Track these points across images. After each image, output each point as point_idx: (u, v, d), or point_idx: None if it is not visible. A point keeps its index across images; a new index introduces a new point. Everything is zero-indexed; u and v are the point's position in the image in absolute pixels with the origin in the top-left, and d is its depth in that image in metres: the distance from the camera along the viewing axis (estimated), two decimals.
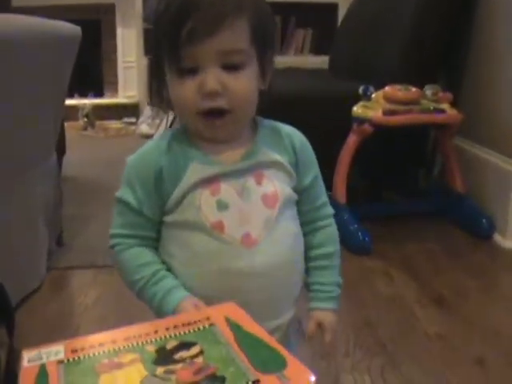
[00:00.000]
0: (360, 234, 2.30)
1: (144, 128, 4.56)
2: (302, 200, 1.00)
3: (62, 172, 2.84)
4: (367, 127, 2.30)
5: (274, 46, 0.96)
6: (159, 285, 0.93)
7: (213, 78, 0.87)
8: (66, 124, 3.38)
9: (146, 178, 0.94)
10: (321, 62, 4.05)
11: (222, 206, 0.91)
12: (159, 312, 0.93)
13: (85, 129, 4.76)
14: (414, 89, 2.37)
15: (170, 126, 4.30)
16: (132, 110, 5.08)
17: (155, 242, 0.98)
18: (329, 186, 2.44)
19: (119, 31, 5.24)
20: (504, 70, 2.52)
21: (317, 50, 4.98)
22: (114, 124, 4.89)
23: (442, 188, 2.69)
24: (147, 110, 4.66)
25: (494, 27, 2.61)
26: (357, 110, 2.35)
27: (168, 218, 0.95)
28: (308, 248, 1.03)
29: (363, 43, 3.11)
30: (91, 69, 5.23)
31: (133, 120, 4.88)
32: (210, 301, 0.87)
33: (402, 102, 2.30)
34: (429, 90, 2.40)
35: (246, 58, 0.89)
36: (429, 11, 2.67)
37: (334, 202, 2.40)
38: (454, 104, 2.44)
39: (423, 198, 2.84)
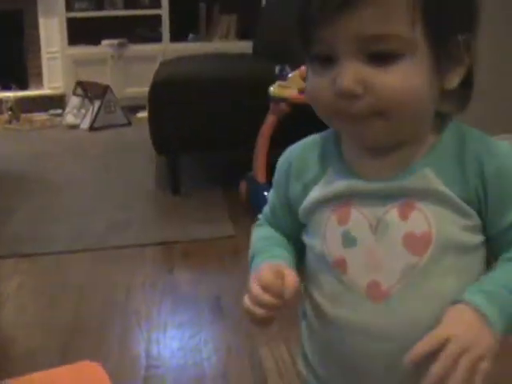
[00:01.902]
0: None
1: (70, 119, 4.48)
2: (496, 245, 0.72)
3: None
4: (284, 106, 2.33)
5: (465, 28, 0.69)
6: (261, 254, 0.81)
7: (350, 73, 0.64)
8: None
9: (280, 171, 0.80)
10: (246, 46, 4.07)
11: (348, 240, 0.71)
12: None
13: (9, 122, 4.64)
14: None
15: (96, 116, 4.25)
16: (58, 102, 4.99)
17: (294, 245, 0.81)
18: (250, 166, 2.48)
19: (42, 21, 5.12)
20: None
21: (242, 35, 5.00)
22: (40, 116, 4.78)
23: None
24: (73, 101, 4.58)
25: None
26: (273, 89, 2.38)
27: (304, 238, 0.78)
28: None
29: (284, 26, 3.13)
30: (14, 61, 5.11)
31: (59, 111, 4.79)
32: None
33: None
34: None
35: (405, 45, 0.64)
36: None
37: (254, 181, 2.50)
38: None
39: None
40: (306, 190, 0.76)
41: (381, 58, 0.64)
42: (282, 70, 2.41)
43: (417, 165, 0.70)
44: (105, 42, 4.93)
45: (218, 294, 1.91)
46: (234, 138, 2.69)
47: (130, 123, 4.35)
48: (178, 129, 2.68)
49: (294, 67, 2.42)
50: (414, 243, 0.69)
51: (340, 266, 0.71)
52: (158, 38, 4.98)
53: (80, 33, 4.89)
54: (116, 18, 5.02)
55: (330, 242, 0.72)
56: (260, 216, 0.88)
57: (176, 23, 4.94)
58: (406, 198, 0.69)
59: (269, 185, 2.54)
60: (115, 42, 4.91)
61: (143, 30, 5.06)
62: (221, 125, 2.65)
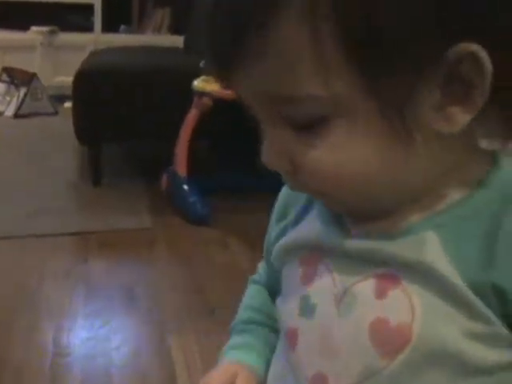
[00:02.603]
0: (199, 205, 2.35)
1: None
2: None
3: None
4: (207, 100, 2.35)
5: (458, 35, 0.43)
6: (236, 336, 0.70)
7: (272, 145, 0.48)
8: None
9: (275, 207, 0.65)
10: (178, 41, 4.06)
11: (305, 307, 0.53)
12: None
13: None
14: None
15: (22, 103, 4.16)
16: None
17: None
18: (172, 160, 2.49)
19: None
20: None
21: (175, 29, 4.98)
22: None
23: None
24: None
25: None
26: (197, 84, 2.39)
27: None
28: None
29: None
30: None
31: None
32: None
33: None
34: None
35: (326, 106, 0.44)
36: None
37: (175, 174, 2.51)
38: None
39: (269, 173, 2.92)
40: (284, 233, 0.59)
41: (306, 126, 0.45)
42: (206, 65, 2.43)
43: (417, 225, 0.48)
44: (34, 29, 4.83)
45: (131, 285, 1.91)
46: (157, 130, 2.69)
47: (56, 112, 4.27)
48: (101, 119, 2.67)
49: None
50: (385, 337, 0.47)
51: (291, 339, 0.54)
52: (89, 28, 4.91)
53: (8, 17, 4.77)
54: (47, 4, 4.92)
55: (288, 304, 0.56)
56: (259, 265, 0.73)
57: (108, 13, 4.88)
58: (390, 267, 0.48)
59: (189, 178, 2.58)
60: (45, 29, 4.81)
61: (75, 19, 4.98)
62: (144, 117, 2.65)
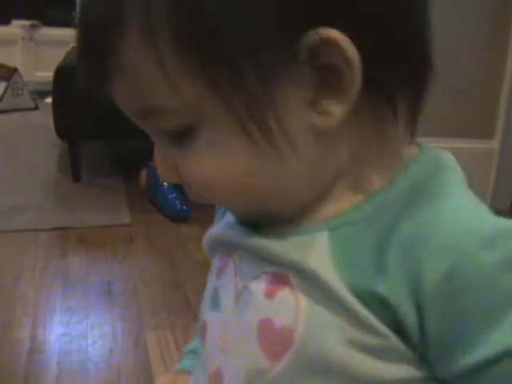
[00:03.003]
0: (178, 202, 2.36)
1: None
2: None
3: None
4: None
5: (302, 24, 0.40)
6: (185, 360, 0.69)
7: (159, 157, 0.49)
8: None
9: None
10: None
11: (214, 300, 0.53)
12: None
13: None
14: None
15: (2, 98, 4.13)
16: None
17: None
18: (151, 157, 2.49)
19: None
20: None
21: None
22: None
23: None
24: None
25: None
26: None
27: None
28: None
29: None
30: None
31: None
32: None
33: None
34: None
35: (177, 114, 0.43)
36: None
37: (154, 171, 2.51)
38: None
39: None
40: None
41: (177, 137, 0.45)
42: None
43: (312, 226, 0.46)
44: (16, 23, 4.80)
45: (109, 281, 1.91)
46: (138, 127, 2.68)
47: (37, 107, 4.26)
48: (81, 115, 2.66)
49: None
50: (270, 339, 0.46)
51: (202, 332, 0.54)
52: (71, 23, 4.88)
53: None
54: None
55: (205, 297, 0.56)
56: None
57: None
58: (282, 267, 0.46)
59: None
60: (27, 23, 4.79)
61: (57, 13, 4.96)
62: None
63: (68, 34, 4.76)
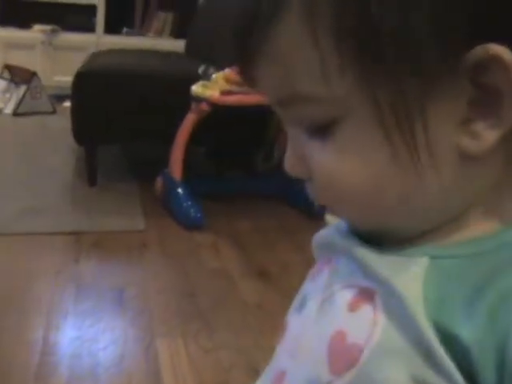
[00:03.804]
0: (192, 210, 2.36)
1: None
2: None
3: None
4: (205, 106, 2.36)
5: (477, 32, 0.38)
6: None
7: (290, 150, 0.47)
8: None
9: None
10: (179, 45, 4.08)
11: (302, 303, 0.51)
12: None
13: None
14: None
15: (21, 102, 4.17)
16: None
17: None
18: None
19: None
20: None
21: (177, 33, 5.00)
22: None
23: (281, 170, 2.79)
24: None
25: None
26: (196, 89, 2.40)
27: None
28: None
29: (216, 29, 3.17)
30: None
31: None
32: None
33: (238, 84, 2.38)
34: None
35: (329, 106, 0.41)
36: None
37: (170, 178, 2.52)
38: None
39: (263, 179, 2.94)
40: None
41: (316, 130, 0.43)
42: (205, 70, 2.44)
43: (417, 248, 0.44)
44: (37, 27, 4.85)
45: (122, 286, 1.92)
46: (154, 133, 2.70)
47: (55, 111, 4.29)
48: (99, 120, 2.68)
49: (219, 68, 2.46)
50: (339, 352, 0.44)
51: (283, 331, 0.52)
52: (91, 29, 4.93)
53: (12, 15, 4.79)
54: (50, 3, 4.94)
55: (296, 297, 0.53)
56: None
57: (111, 15, 4.91)
58: (372, 282, 0.44)
59: (183, 182, 2.60)
60: (48, 27, 4.83)
61: (77, 19, 5.00)
62: (142, 120, 2.66)
63: (87, 40, 4.81)
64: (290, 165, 0.47)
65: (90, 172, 2.75)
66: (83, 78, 2.67)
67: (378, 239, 0.46)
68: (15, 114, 4.15)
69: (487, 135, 0.39)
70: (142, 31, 5.13)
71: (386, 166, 0.41)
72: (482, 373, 0.37)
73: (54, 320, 1.72)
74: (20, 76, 4.32)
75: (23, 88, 4.22)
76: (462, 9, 0.37)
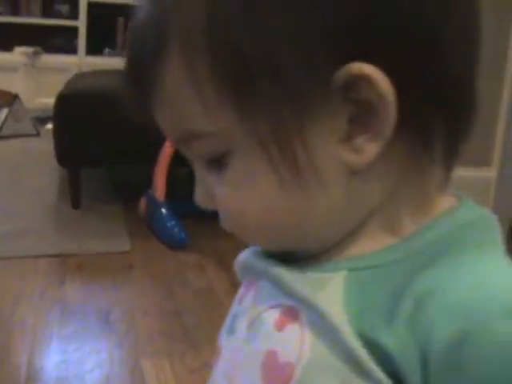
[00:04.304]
0: (176, 229, 2.37)
1: None
2: None
3: None
4: None
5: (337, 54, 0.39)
6: None
7: (198, 183, 0.48)
8: None
9: None
10: None
11: (232, 326, 0.51)
12: None
13: None
14: None
15: (3, 124, 4.16)
16: None
17: None
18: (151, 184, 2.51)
19: None
20: None
21: None
22: None
23: None
24: None
25: None
26: None
27: None
28: None
29: None
30: None
31: None
32: None
33: None
34: None
35: (222, 142, 0.43)
36: None
37: (153, 199, 2.52)
38: None
39: None
40: None
41: (213, 163, 0.45)
42: None
43: (332, 264, 0.45)
44: (18, 50, 4.85)
45: (108, 308, 1.92)
46: (137, 155, 2.70)
47: (38, 134, 4.28)
48: (82, 142, 2.68)
49: None
50: (272, 373, 0.44)
51: (216, 356, 0.53)
52: (73, 50, 4.93)
53: None
54: (31, 25, 4.95)
55: (225, 321, 0.53)
56: None
57: (93, 36, 4.92)
58: (296, 301, 0.44)
59: (167, 202, 2.59)
60: (30, 50, 4.83)
61: (59, 41, 5.01)
62: (125, 141, 2.66)
63: (69, 61, 4.81)
64: (199, 198, 0.48)
65: (74, 194, 2.74)
66: (65, 100, 2.68)
67: (293, 257, 0.47)
68: None
69: (369, 148, 0.40)
70: (123, 51, 5.14)
71: (276, 194, 0.43)
72: (410, 375, 0.38)
73: (39, 343, 1.71)
74: (2, 99, 4.31)
75: (5, 111, 4.21)
76: (321, 33, 0.38)
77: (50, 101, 4.01)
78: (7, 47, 4.81)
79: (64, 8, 5.03)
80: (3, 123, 4.16)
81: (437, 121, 0.42)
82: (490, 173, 2.71)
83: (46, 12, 5.02)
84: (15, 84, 4.63)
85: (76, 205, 2.74)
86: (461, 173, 2.64)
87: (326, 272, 0.44)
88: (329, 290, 0.43)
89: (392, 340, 0.39)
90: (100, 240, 2.41)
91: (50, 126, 4.13)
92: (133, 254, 2.32)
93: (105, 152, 2.73)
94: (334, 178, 0.42)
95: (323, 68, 0.39)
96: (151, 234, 2.46)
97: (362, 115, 0.40)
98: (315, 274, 0.44)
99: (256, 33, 0.39)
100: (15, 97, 4.24)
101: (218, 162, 0.44)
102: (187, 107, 0.42)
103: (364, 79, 0.39)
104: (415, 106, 0.40)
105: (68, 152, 2.72)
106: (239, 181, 0.44)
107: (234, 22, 0.39)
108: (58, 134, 2.72)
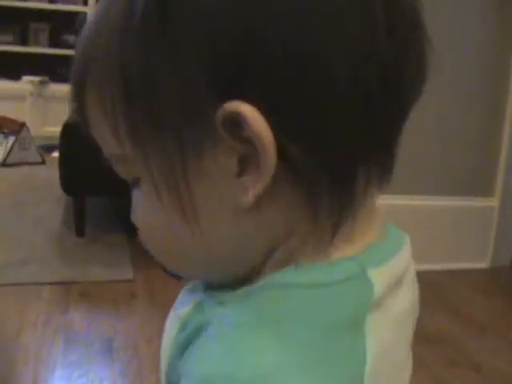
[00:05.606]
0: None
1: None
2: None
3: None
4: None
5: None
6: None
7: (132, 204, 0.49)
8: None
9: None
10: None
11: None
12: None
13: None
14: None
15: (10, 152, 4.20)
16: None
17: None
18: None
19: None
20: None
21: None
22: None
23: None
24: None
25: None
26: None
27: None
28: None
29: None
30: None
31: None
32: None
33: None
34: None
35: (126, 164, 0.45)
36: None
37: None
38: None
39: None
40: None
41: (133, 183, 0.46)
42: None
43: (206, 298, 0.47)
44: (26, 79, 4.91)
45: (111, 336, 1.92)
46: None
47: (44, 162, 4.32)
48: (87, 171, 2.70)
49: None
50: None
51: None
52: None
53: (1, 66, 4.86)
54: (39, 55, 5.02)
55: None
56: None
57: None
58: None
59: None
60: (36, 79, 4.90)
61: (66, 70, 5.04)
62: None
63: None
64: (131, 215, 0.49)
65: (78, 222, 2.76)
66: (70, 129, 2.70)
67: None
68: (4, 164, 4.17)
69: (253, 187, 0.39)
70: None
71: (167, 227, 0.44)
72: None
73: (42, 372, 1.72)
74: (9, 127, 4.36)
75: (12, 139, 4.25)
76: (204, 72, 0.38)
77: (56, 129, 4.06)
78: (15, 76, 4.88)
79: (71, 38, 5.10)
80: (9, 151, 4.20)
81: (320, 166, 0.40)
82: (493, 203, 2.72)
83: (54, 42, 5.10)
84: (22, 112, 4.69)
85: (80, 233, 2.76)
86: (464, 202, 2.68)
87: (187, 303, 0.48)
88: (177, 320, 0.48)
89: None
90: (104, 268, 2.43)
91: (55, 154, 4.17)
92: (136, 283, 2.33)
93: (110, 181, 2.74)
94: (223, 214, 0.42)
95: (206, 107, 0.38)
96: (155, 263, 2.46)
97: (249, 154, 0.39)
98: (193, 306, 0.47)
99: (133, 68, 0.40)
100: (22, 125, 4.29)
101: (136, 183, 0.45)
102: (102, 133, 0.44)
103: (239, 118, 0.38)
104: (296, 150, 0.38)
105: (73, 180, 2.74)
106: (143, 205, 0.45)
107: (127, 59, 0.40)
108: (63, 162, 2.74)
